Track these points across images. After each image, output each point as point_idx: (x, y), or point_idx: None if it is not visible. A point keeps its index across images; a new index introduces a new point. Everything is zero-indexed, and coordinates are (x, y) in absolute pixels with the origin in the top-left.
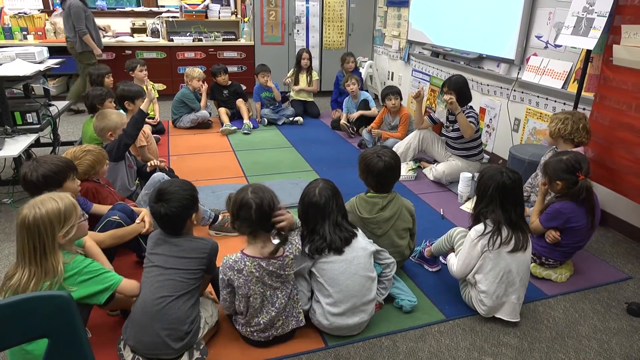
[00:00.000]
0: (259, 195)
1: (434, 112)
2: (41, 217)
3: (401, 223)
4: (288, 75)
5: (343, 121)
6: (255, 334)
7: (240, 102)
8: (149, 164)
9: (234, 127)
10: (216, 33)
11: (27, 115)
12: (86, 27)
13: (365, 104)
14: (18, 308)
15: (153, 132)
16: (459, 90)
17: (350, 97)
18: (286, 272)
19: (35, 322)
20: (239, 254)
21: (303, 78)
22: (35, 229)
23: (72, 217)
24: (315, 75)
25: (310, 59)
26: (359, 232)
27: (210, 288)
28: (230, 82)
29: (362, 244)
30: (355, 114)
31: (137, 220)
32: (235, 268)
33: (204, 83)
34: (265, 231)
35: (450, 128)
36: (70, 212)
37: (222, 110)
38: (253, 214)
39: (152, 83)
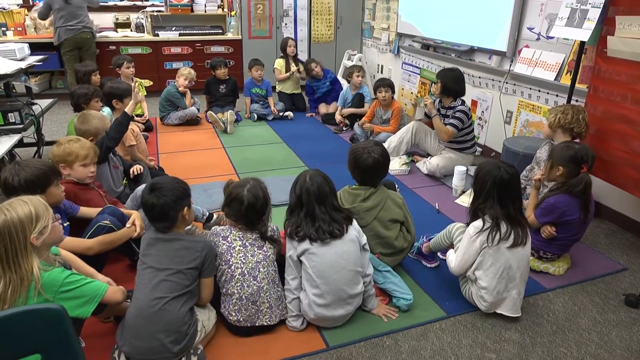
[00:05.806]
0: (254, 194)
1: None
2: (11, 220)
3: (386, 214)
4: (276, 65)
5: (338, 114)
6: (235, 313)
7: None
8: (131, 170)
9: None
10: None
11: (9, 115)
12: None
13: (360, 99)
14: (7, 323)
15: (141, 130)
16: (445, 81)
17: (349, 87)
18: (266, 245)
19: (26, 338)
20: (226, 226)
21: (293, 66)
22: (6, 232)
23: (44, 217)
24: (301, 66)
25: (295, 46)
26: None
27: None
28: (228, 77)
29: (351, 235)
30: (346, 111)
31: (128, 224)
32: (222, 235)
33: (186, 80)
34: (247, 227)
35: (443, 120)
36: (42, 213)
37: (219, 116)
38: (243, 209)
39: (139, 80)
